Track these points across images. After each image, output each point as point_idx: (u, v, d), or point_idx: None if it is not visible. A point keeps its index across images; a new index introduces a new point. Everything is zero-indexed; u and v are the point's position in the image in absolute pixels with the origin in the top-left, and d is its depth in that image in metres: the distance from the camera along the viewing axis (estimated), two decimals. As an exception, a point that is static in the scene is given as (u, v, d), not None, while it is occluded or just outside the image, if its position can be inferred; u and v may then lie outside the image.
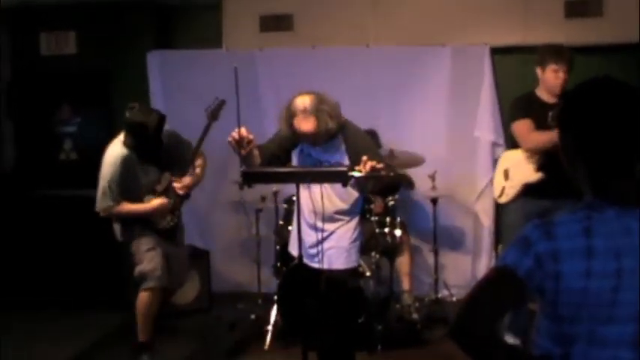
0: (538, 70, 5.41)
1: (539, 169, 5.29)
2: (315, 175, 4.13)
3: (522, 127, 5.34)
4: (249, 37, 7.42)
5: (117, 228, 5.50)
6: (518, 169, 5.43)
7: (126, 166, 5.28)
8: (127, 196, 5.32)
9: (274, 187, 6.36)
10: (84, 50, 7.53)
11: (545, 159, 5.22)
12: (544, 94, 5.39)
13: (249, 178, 4.03)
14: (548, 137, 4.98)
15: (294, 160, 4.68)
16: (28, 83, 7.61)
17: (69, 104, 7.57)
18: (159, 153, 5.39)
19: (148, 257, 5.39)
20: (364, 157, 4.02)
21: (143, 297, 5.41)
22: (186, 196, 5.56)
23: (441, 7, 7.17)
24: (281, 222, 6.32)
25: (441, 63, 7.12)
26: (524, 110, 5.37)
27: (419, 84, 7.16)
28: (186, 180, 5.48)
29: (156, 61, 7.41)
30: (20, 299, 7.06)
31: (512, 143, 5.64)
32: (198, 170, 5.60)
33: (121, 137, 5.35)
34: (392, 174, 4.24)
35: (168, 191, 5.44)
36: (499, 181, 5.62)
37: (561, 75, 5.25)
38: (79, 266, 7.25)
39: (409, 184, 6.79)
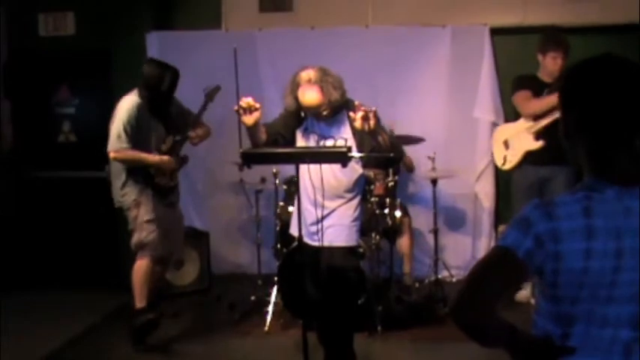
0: (539, 56, 6.05)
1: (538, 138, 5.91)
2: (315, 155, 4.14)
3: (522, 96, 6.06)
4: (248, 17, 7.40)
5: (117, 186, 5.64)
6: (519, 139, 6.09)
7: (140, 112, 5.51)
8: (137, 145, 5.50)
9: (274, 167, 6.35)
10: (82, 31, 7.46)
11: (543, 130, 5.88)
12: (544, 77, 6.02)
13: (249, 159, 4.03)
14: (544, 103, 5.82)
15: (299, 140, 4.70)
16: (26, 64, 7.55)
17: (67, 85, 7.53)
18: (168, 111, 5.71)
19: (147, 228, 5.58)
20: (357, 102, 4.15)
21: (140, 265, 5.60)
22: (185, 160, 5.87)
23: (440, -13, 7.14)
24: (281, 203, 6.31)
25: (440, 43, 7.10)
26: (524, 84, 6.09)
27: (418, 65, 7.14)
28: (200, 130, 5.83)
29: (155, 42, 7.36)
30: (18, 280, 7.06)
31: (515, 114, 6.29)
32: (206, 128, 5.93)
33: (135, 90, 5.60)
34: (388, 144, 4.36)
35: (171, 153, 5.69)
36: (500, 150, 6.30)
37: (559, 61, 5.92)
38: (77, 248, 7.27)
39: (409, 168, 6.82)
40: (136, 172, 5.60)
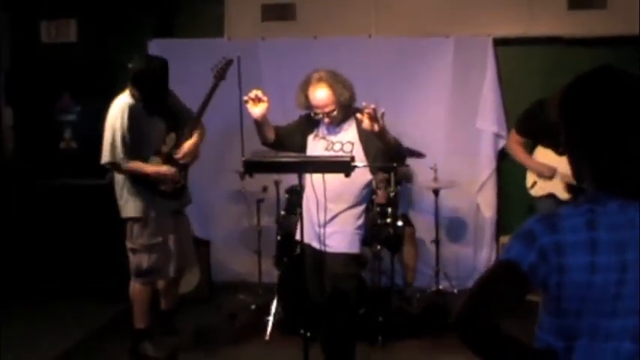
0: None
1: (568, 191, 5.76)
2: (318, 164, 4.16)
3: None
4: (251, 26, 7.39)
5: (120, 195, 5.30)
6: (552, 180, 5.86)
7: (132, 115, 5.12)
8: (132, 150, 5.14)
9: (275, 176, 6.34)
10: (85, 38, 7.49)
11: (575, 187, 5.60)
12: None
13: (252, 168, 4.02)
14: None
15: (309, 145, 4.80)
16: (28, 71, 7.57)
17: (69, 93, 7.54)
18: (166, 104, 5.31)
19: (148, 252, 5.30)
20: (364, 103, 4.24)
21: (138, 290, 5.41)
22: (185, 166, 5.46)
23: (444, -3, 7.14)
24: (283, 212, 6.30)
25: (443, 54, 7.09)
26: None
27: (421, 75, 7.13)
28: (185, 147, 5.33)
29: (157, 50, 7.33)
30: (20, 288, 7.05)
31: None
32: (195, 137, 5.42)
33: (126, 91, 5.24)
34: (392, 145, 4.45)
35: (171, 154, 5.33)
36: (533, 175, 6.05)
37: None
38: (78, 255, 7.24)
39: (407, 178, 6.81)
40: (139, 181, 5.23)
